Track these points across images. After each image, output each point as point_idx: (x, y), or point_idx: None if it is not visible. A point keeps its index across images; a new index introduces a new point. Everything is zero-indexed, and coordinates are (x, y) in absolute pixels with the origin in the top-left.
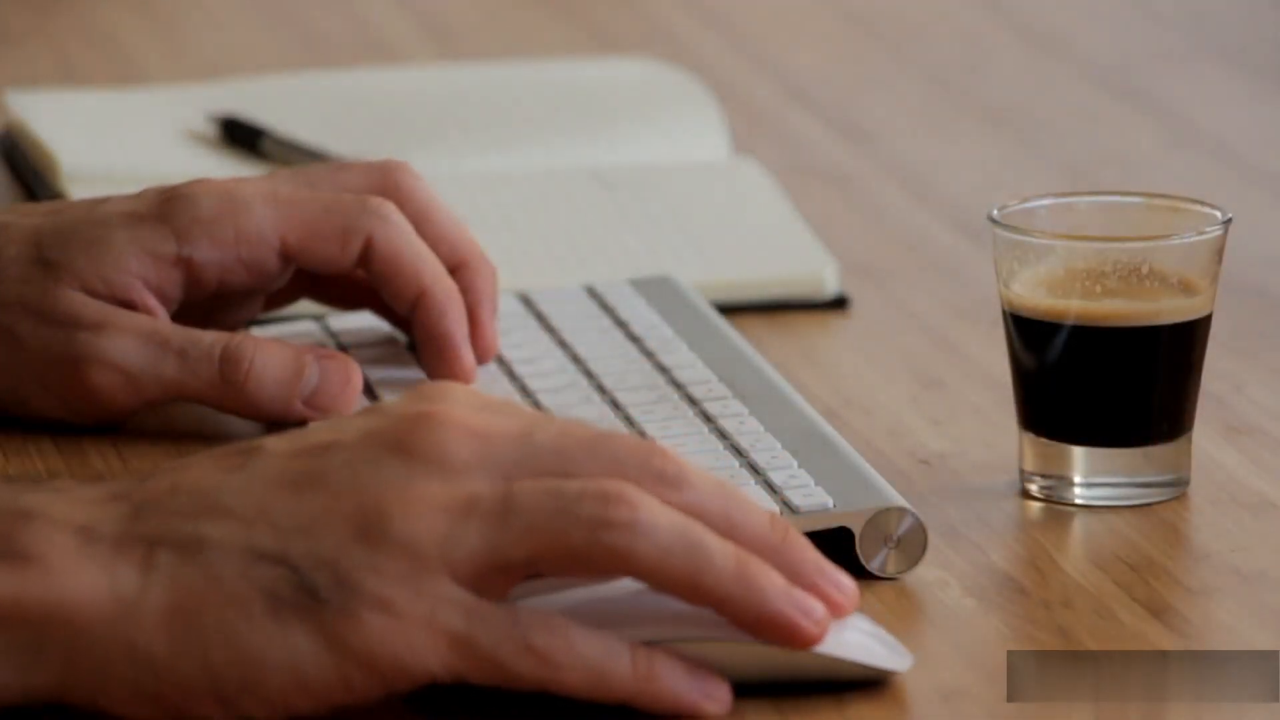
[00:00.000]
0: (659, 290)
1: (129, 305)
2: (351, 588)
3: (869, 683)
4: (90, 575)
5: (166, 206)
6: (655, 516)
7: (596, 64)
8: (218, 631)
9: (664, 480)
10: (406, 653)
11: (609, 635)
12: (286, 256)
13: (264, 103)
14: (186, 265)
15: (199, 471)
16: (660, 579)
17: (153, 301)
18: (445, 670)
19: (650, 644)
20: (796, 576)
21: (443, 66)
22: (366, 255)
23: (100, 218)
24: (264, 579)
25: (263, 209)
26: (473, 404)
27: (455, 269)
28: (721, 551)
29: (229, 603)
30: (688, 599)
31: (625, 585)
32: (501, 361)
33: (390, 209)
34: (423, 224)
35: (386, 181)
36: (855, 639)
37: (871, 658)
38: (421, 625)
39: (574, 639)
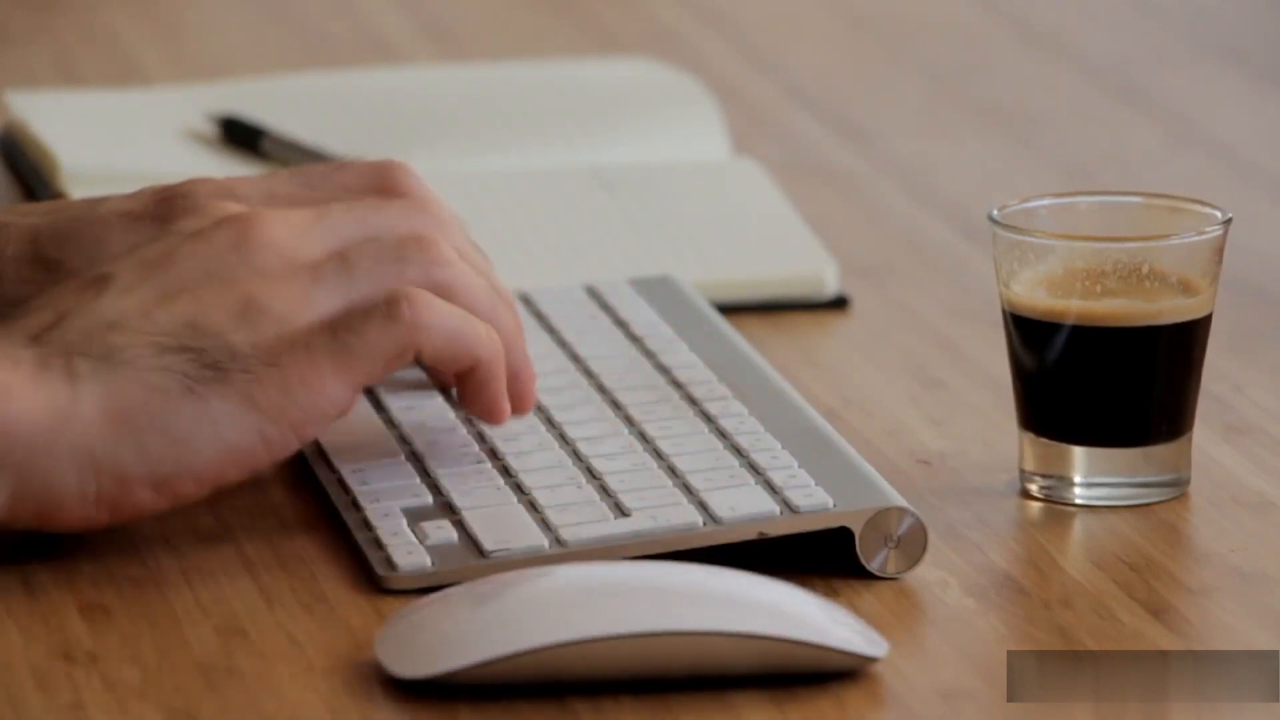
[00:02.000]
0: (659, 290)
1: None
2: (247, 355)
3: (863, 679)
4: (27, 393)
5: (163, 205)
6: (453, 255)
7: (596, 64)
8: (148, 419)
9: (443, 227)
10: (303, 391)
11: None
12: None
13: (264, 103)
14: None
15: (68, 302)
16: (474, 306)
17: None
18: (346, 387)
19: (647, 636)
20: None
21: (443, 66)
22: None
23: (98, 216)
24: (174, 365)
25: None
26: (262, 202)
27: None
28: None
29: (152, 392)
30: (489, 315)
31: (621, 577)
32: None
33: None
34: None
35: (385, 181)
36: (838, 631)
37: (854, 646)
38: (305, 363)
39: (435, 303)
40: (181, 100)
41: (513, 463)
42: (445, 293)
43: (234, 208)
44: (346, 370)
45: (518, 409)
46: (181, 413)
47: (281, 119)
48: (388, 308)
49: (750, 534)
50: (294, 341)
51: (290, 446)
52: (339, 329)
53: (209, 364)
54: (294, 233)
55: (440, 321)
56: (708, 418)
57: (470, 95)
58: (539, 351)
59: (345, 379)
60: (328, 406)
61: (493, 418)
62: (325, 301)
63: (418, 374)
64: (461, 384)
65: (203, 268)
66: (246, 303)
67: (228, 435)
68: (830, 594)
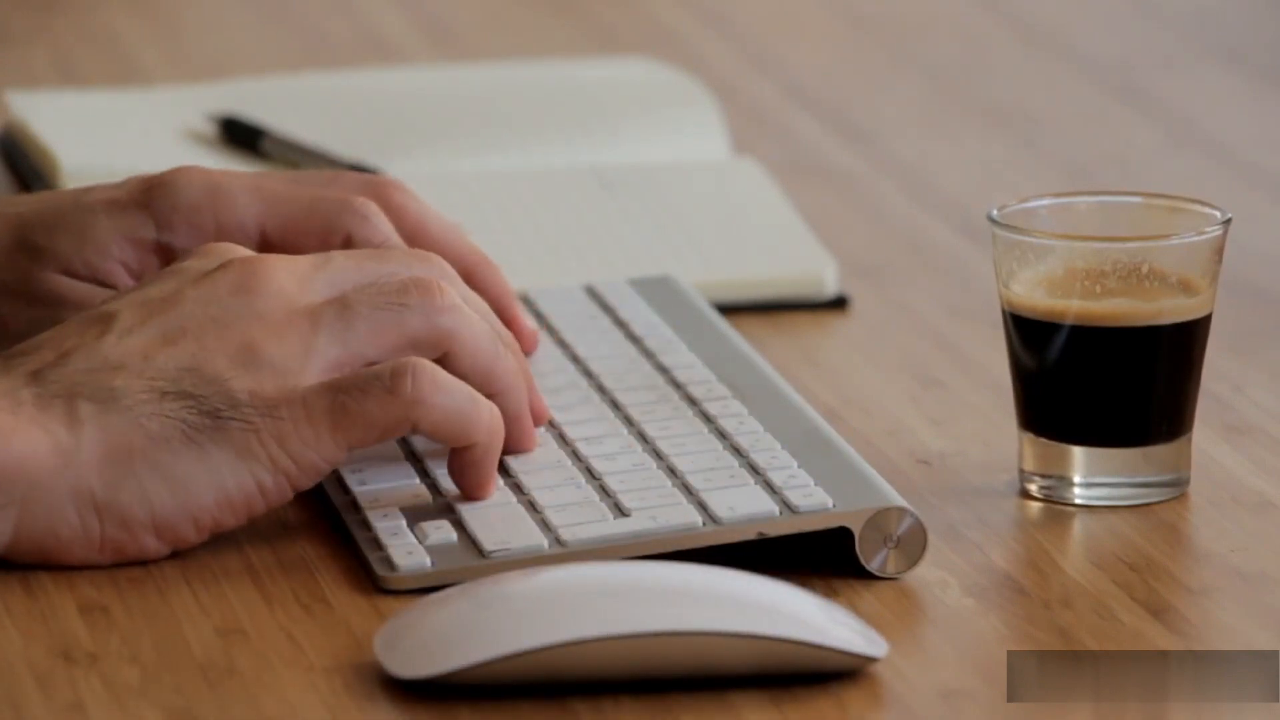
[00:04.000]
0: (659, 290)
1: (111, 288)
2: (245, 405)
3: (863, 679)
4: (31, 433)
5: (149, 194)
6: (460, 301)
7: (596, 64)
8: (148, 465)
9: (445, 275)
10: (299, 447)
11: (468, 386)
12: (266, 249)
13: (264, 103)
14: (166, 251)
15: (71, 341)
16: (477, 351)
17: (133, 284)
18: (340, 449)
19: (647, 636)
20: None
21: (443, 66)
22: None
23: (84, 205)
24: (174, 411)
25: (246, 200)
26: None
27: (465, 277)
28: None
29: (152, 438)
30: (491, 360)
31: (621, 577)
32: None
33: (372, 209)
34: (420, 239)
35: (378, 198)
36: (838, 631)
37: (854, 646)
38: (303, 419)
39: (439, 380)
40: (181, 100)
41: (512, 463)
42: (448, 339)
43: (240, 251)
44: (342, 433)
45: (527, 446)
46: (180, 459)
47: (282, 119)
48: (391, 380)
49: (750, 534)
50: (292, 397)
51: (285, 495)
52: (339, 392)
53: (208, 411)
54: (296, 277)
55: (442, 400)
56: (707, 418)
57: (470, 95)
58: (539, 352)
59: (339, 441)
60: (320, 463)
61: (476, 496)
62: (326, 349)
63: None
64: (454, 456)
65: (206, 312)
66: (247, 349)
67: (225, 483)
68: (830, 594)
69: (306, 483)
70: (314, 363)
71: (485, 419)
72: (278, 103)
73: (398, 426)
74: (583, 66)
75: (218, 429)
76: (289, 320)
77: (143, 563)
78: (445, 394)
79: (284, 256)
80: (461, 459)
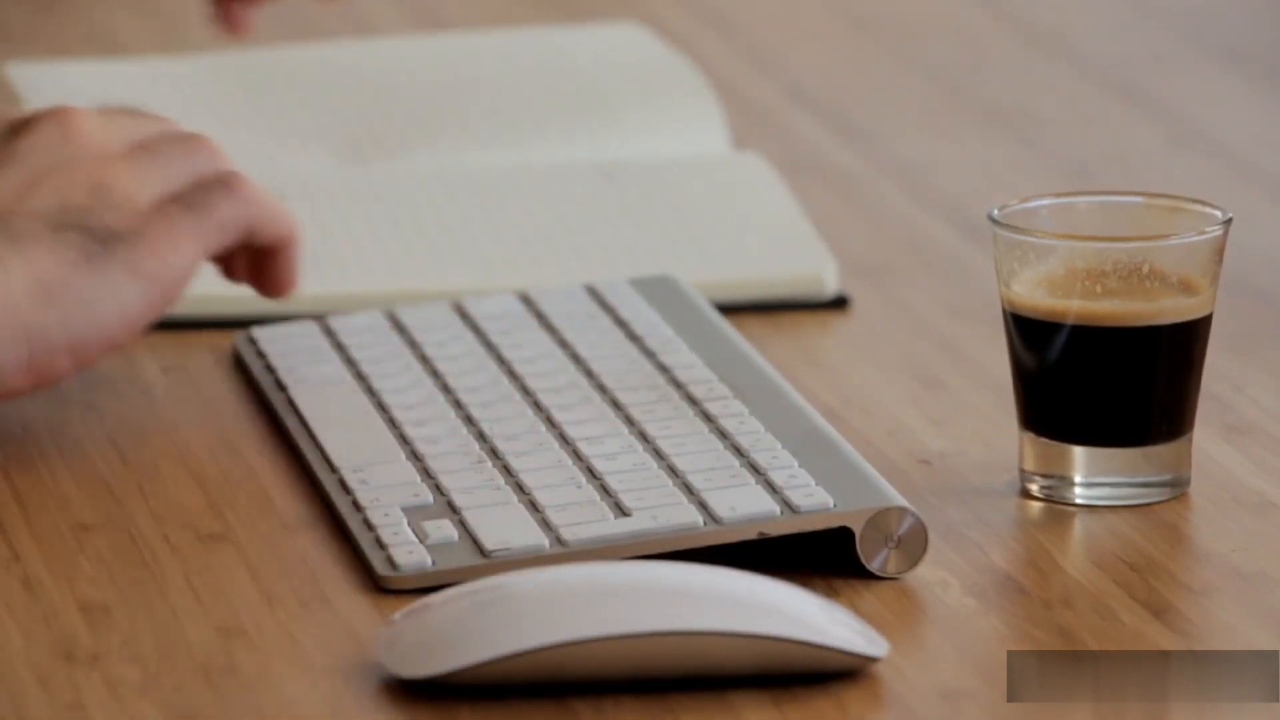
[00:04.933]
0: (659, 290)
1: None
2: (121, 231)
3: (863, 679)
4: None
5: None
6: (225, 153)
7: (582, 33)
8: (64, 290)
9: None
10: (172, 257)
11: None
12: None
13: (255, 79)
14: None
15: None
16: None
17: None
18: (200, 253)
19: (647, 636)
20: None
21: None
22: None
23: None
24: (74, 241)
25: None
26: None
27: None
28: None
29: (63, 264)
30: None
31: (621, 577)
32: (501, 361)
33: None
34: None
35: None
36: (838, 631)
37: (854, 646)
38: (167, 233)
39: (257, 184)
40: (175, 73)
41: (513, 462)
42: (229, 165)
43: (57, 106)
44: (200, 237)
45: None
46: (89, 283)
47: (276, 96)
48: (227, 183)
49: (750, 534)
50: (153, 215)
51: (164, 309)
52: (191, 203)
53: (97, 239)
54: (101, 123)
55: (267, 198)
56: (708, 417)
57: (467, 83)
58: (539, 351)
59: (199, 245)
60: (189, 269)
61: (291, 289)
62: (152, 181)
63: (417, 373)
64: (268, 260)
65: (45, 160)
66: (96, 185)
67: (126, 302)
68: (830, 594)
69: (179, 293)
70: (148, 192)
71: (288, 215)
72: (266, 79)
73: (240, 225)
74: (569, 35)
75: (107, 253)
76: (117, 157)
77: (143, 562)
78: (266, 192)
79: (77, 107)
80: (280, 260)
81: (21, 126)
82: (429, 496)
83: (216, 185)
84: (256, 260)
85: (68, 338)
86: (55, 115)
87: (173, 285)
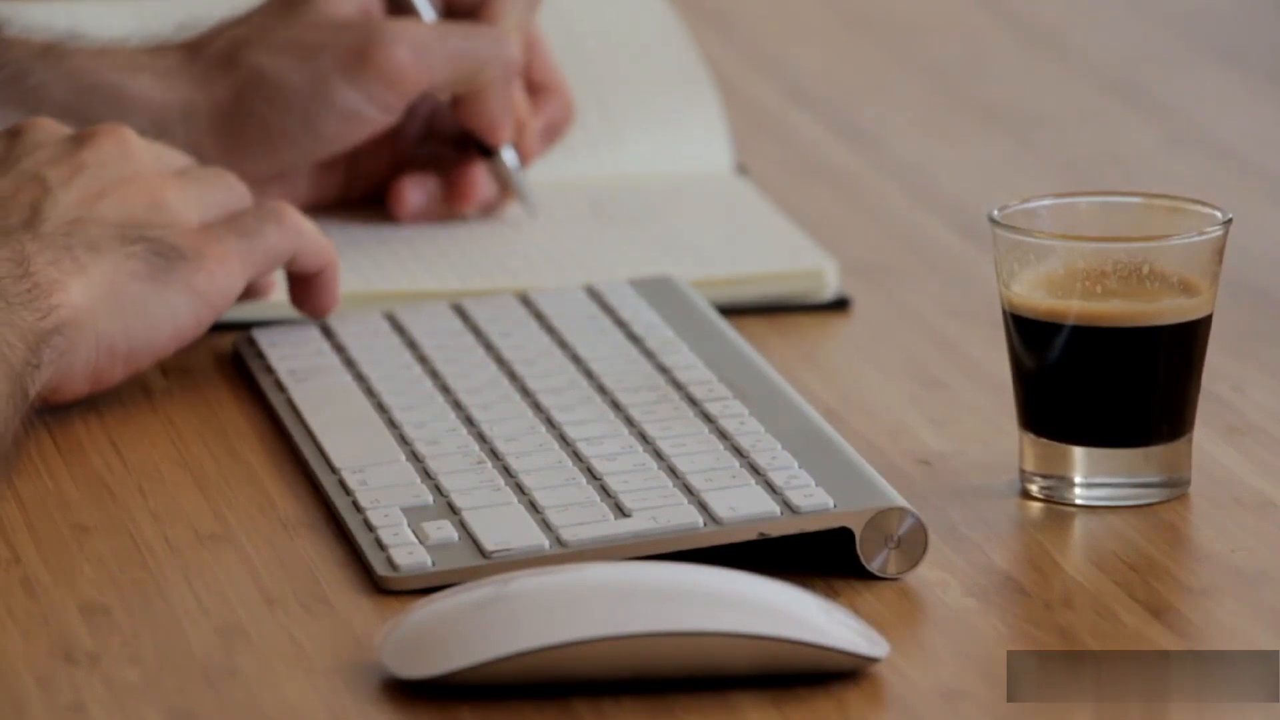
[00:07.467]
0: (659, 290)
1: None
2: (181, 248)
3: (863, 679)
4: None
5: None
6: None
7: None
8: (129, 300)
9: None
10: (223, 279)
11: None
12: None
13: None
14: None
15: (23, 198)
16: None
17: None
18: (245, 278)
19: (647, 636)
20: None
21: None
22: None
23: None
24: (141, 254)
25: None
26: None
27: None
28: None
29: (131, 276)
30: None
31: (621, 577)
32: (501, 362)
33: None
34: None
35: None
36: (838, 631)
37: (854, 647)
38: (224, 257)
39: (301, 214)
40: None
41: (513, 463)
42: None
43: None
44: (250, 262)
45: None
46: (151, 295)
47: None
48: (275, 214)
49: (750, 534)
50: (207, 236)
51: (207, 327)
52: (243, 229)
53: (160, 253)
54: (148, 145)
55: (310, 228)
56: (708, 418)
57: None
58: (539, 352)
59: (247, 268)
60: (236, 290)
61: (332, 308)
62: (195, 205)
63: (417, 374)
64: (312, 280)
65: (109, 173)
66: (154, 201)
67: (179, 316)
68: (830, 594)
69: (221, 312)
70: (198, 215)
71: (328, 243)
72: None
73: (286, 254)
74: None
75: (168, 268)
76: (170, 177)
77: (143, 563)
78: (308, 224)
79: (129, 128)
80: (320, 281)
81: (83, 139)
82: (429, 497)
83: (268, 215)
84: (298, 283)
85: (128, 346)
86: (113, 132)
87: (220, 304)
